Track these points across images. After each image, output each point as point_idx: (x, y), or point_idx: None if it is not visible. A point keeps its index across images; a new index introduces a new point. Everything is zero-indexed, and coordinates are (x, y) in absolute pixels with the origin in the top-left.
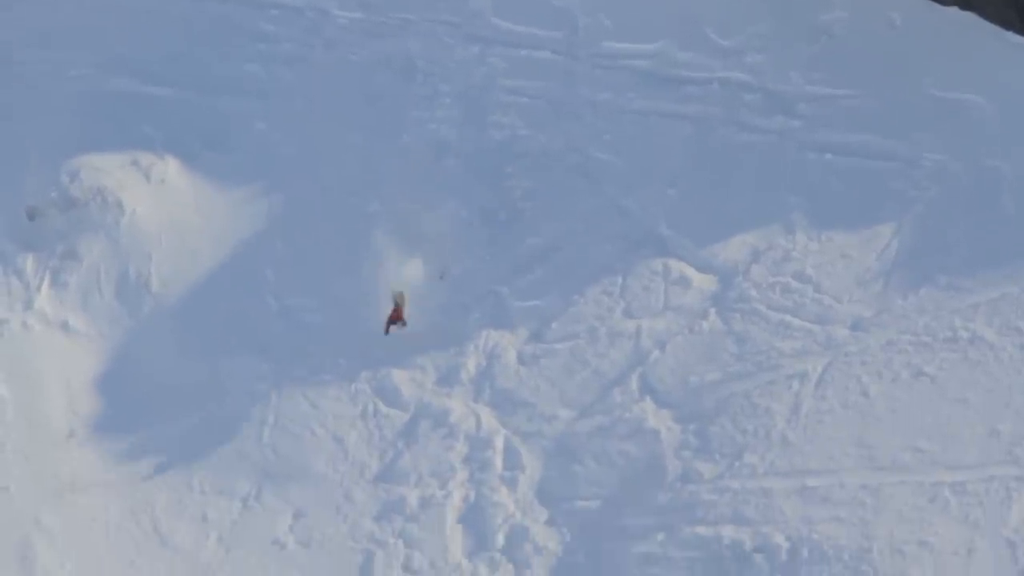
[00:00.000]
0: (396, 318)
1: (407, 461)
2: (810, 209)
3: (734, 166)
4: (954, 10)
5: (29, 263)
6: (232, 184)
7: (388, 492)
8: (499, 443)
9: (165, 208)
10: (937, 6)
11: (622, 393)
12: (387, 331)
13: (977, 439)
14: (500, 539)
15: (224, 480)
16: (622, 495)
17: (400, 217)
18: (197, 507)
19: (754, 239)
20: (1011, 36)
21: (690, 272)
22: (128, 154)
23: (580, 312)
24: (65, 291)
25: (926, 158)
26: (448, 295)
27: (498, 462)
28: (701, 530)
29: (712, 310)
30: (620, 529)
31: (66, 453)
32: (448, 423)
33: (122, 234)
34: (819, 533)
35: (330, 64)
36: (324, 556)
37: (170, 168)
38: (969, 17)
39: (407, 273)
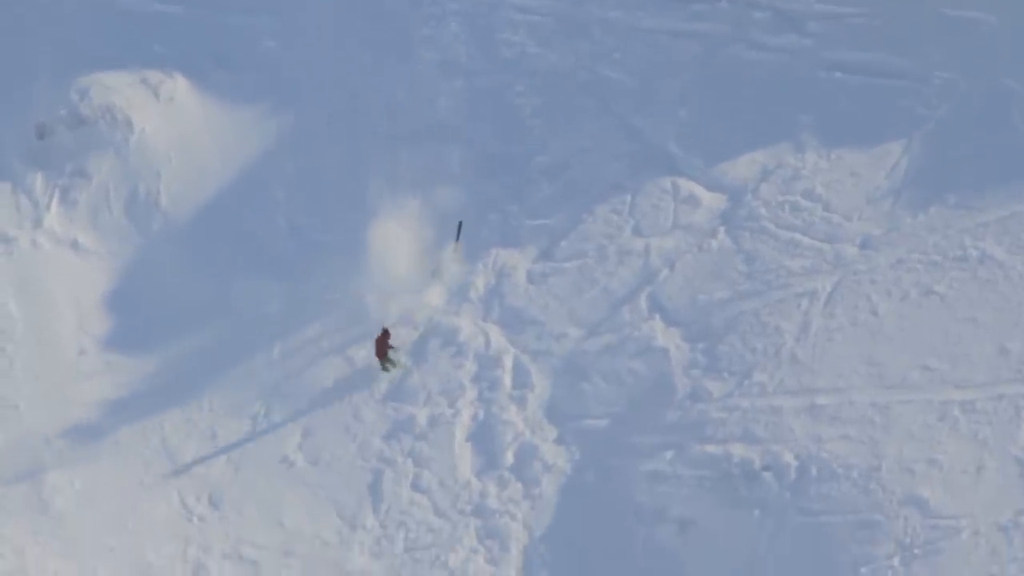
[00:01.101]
0: (383, 353)
1: (416, 380)
2: (820, 127)
3: (743, 85)
4: None
5: (38, 181)
6: (241, 102)
7: (397, 411)
8: (508, 362)
9: (174, 126)
10: None
11: (631, 311)
12: (384, 360)
13: (986, 357)
14: (509, 457)
15: (233, 398)
16: (631, 413)
17: (402, 157)
18: (206, 425)
19: (763, 157)
20: None
21: (699, 190)
22: (137, 72)
23: (589, 230)
24: (74, 209)
25: (936, 76)
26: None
27: (507, 380)
28: (710, 448)
29: (721, 228)
30: (629, 447)
31: (76, 371)
32: (457, 342)
33: (131, 152)
34: (828, 451)
35: None
36: (333, 474)
37: (179, 86)
38: None
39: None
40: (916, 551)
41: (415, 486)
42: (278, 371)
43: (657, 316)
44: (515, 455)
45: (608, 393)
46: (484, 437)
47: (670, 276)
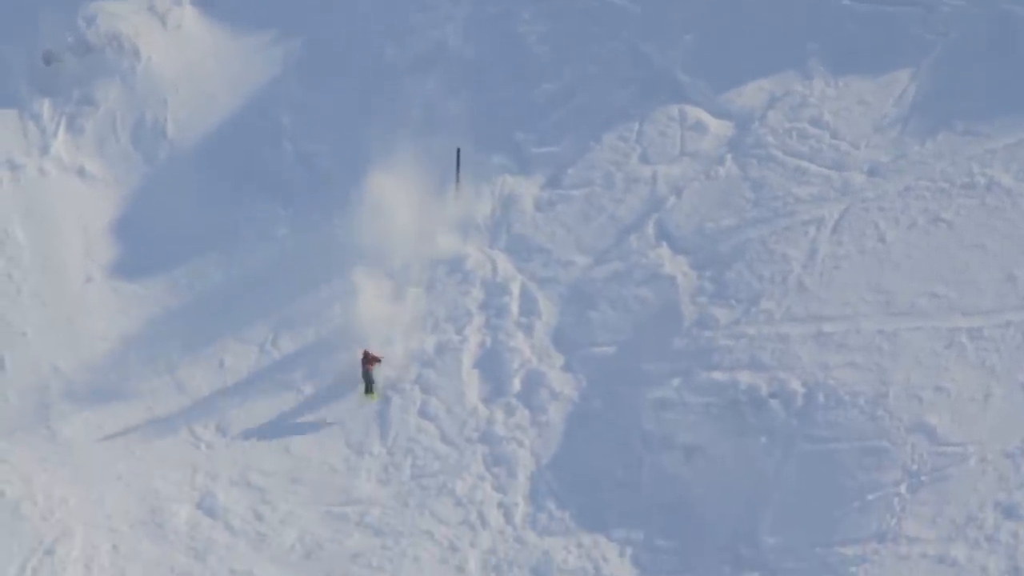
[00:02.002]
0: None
1: (423, 307)
2: (827, 55)
3: (751, 11)
4: None
5: (45, 108)
6: (248, 29)
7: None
8: (515, 289)
9: (181, 53)
10: None
11: (638, 239)
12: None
13: (994, 284)
14: (516, 384)
15: (240, 326)
16: (638, 341)
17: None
18: (213, 353)
19: (771, 85)
20: None
21: (706, 118)
22: None
23: (596, 158)
24: (81, 136)
25: (944, 2)
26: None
27: (514, 308)
28: (717, 375)
29: (728, 156)
30: (636, 374)
31: (83, 299)
32: (464, 269)
33: (138, 80)
34: (835, 379)
35: None
36: (340, 401)
37: (186, 13)
38: None
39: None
40: (923, 478)
41: (422, 413)
42: (285, 297)
43: (664, 243)
44: (522, 382)
45: (615, 320)
46: (491, 364)
47: (677, 203)
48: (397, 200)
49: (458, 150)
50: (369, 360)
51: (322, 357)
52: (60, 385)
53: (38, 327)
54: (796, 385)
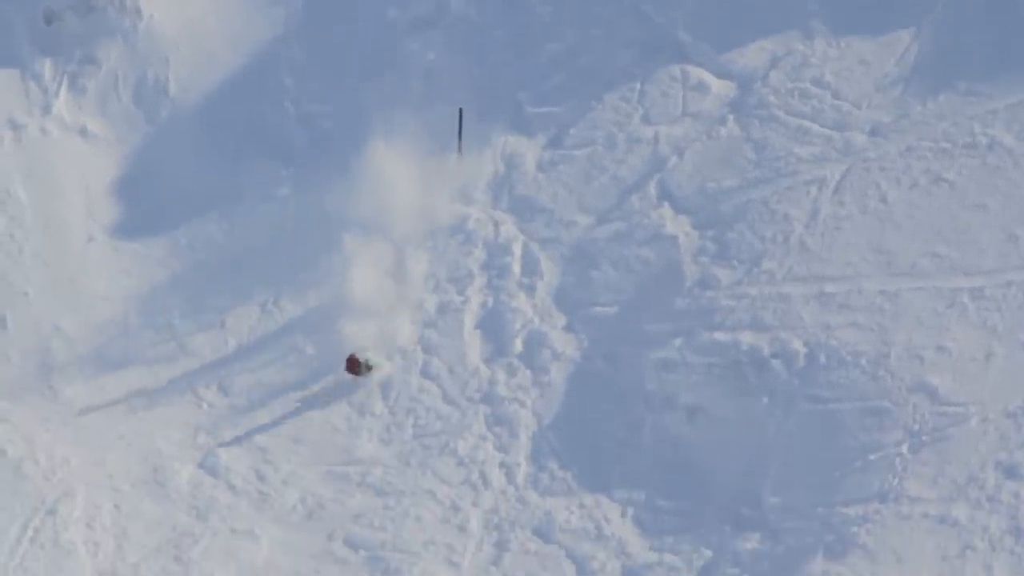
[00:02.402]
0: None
1: (425, 267)
2: (829, 14)
3: None
4: None
5: (47, 68)
6: None
7: None
8: (517, 249)
9: (183, 11)
10: None
11: (640, 199)
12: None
13: (995, 244)
14: (518, 345)
15: (242, 287)
16: (640, 301)
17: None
18: (215, 313)
19: (772, 44)
20: None
21: (708, 78)
22: None
23: (598, 118)
24: (83, 96)
25: None
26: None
27: (516, 268)
28: (719, 336)
29: (730, 116)
30: (638, 334)
31: (85, 259)
32: (466, 229)
33: (140, 38)
34: (837, 339)
35: None
36: (342, 361)
37: None
38: None
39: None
40: (925, 438)
41: (424, 373)
42: (287, 257)
43: (666, 203)
44: (524, 343)
45: (617, 280)
46: (493, 324)
47: (679, 164)
48: (398, 162)
49: (460, 111)
50: (353, 369)
51: (324, 318)
52: (62, 345)
53: (40, 287)
54: (798, 345)
